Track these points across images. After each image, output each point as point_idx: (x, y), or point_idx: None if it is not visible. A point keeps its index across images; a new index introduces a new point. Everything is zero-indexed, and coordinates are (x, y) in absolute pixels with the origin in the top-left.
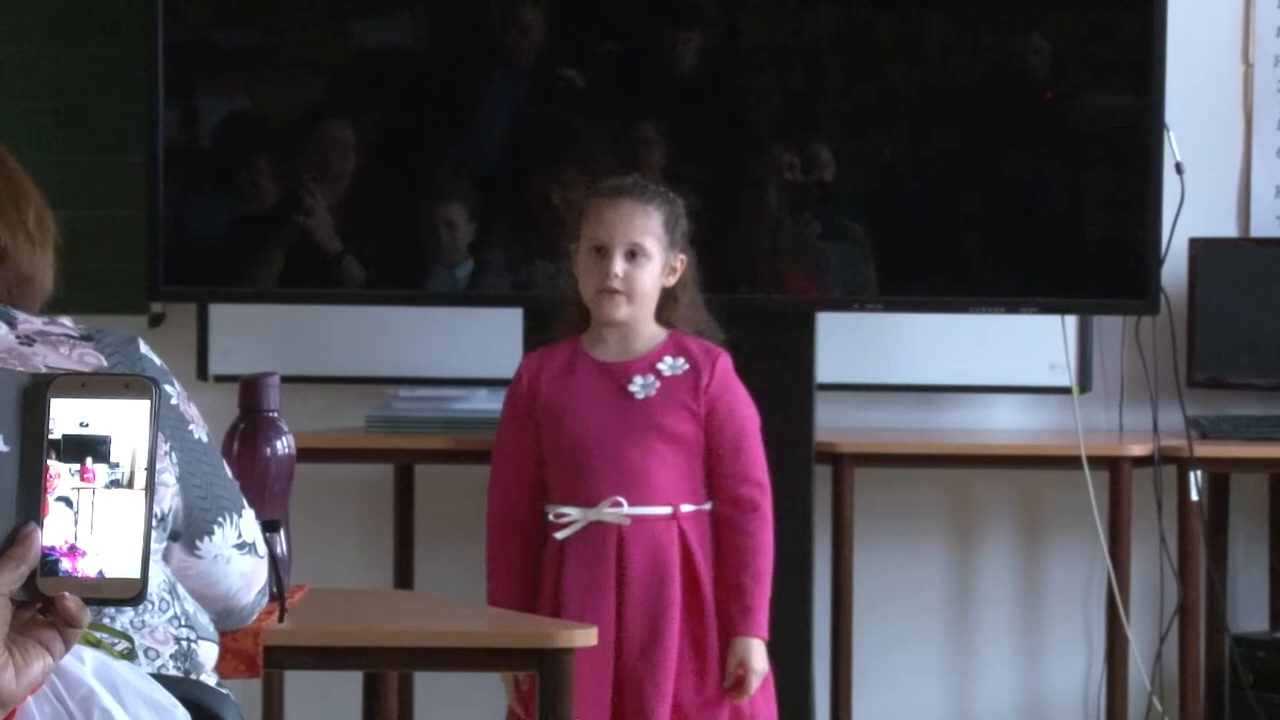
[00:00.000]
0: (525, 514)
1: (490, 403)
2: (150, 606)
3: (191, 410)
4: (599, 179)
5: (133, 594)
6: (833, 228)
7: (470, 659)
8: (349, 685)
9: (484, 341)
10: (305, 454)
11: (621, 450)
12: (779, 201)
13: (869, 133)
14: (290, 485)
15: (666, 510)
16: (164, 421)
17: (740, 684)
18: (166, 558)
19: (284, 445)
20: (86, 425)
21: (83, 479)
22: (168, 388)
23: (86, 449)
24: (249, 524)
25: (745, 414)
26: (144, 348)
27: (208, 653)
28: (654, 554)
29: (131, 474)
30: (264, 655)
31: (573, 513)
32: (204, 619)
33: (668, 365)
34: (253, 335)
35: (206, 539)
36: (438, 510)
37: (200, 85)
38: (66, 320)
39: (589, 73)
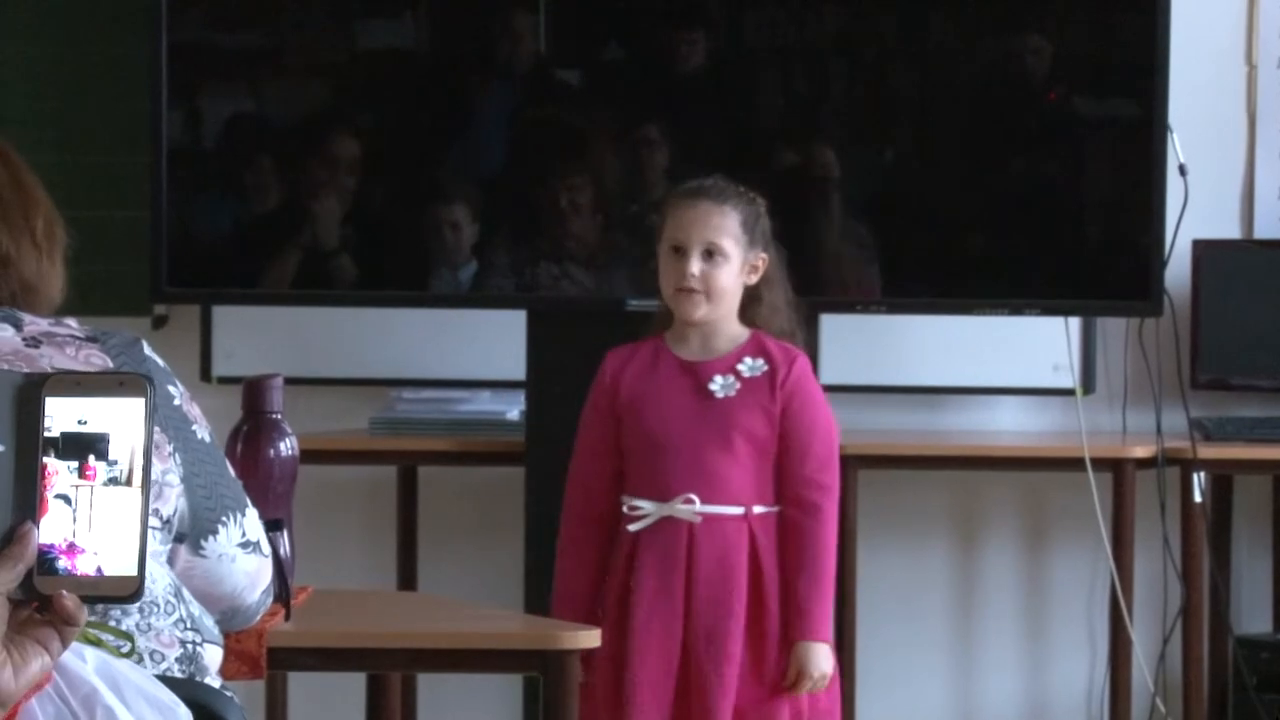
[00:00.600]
0: (603, 507)
1: (494, 404)
2: (155, 609)
3: (194, 411)
4: (607, 180)
5: (130, 591)
6: (837, 229)
7: (473, 660)
8: (352, 686)
9: (487, 343)
10: (308, 456)
11: (698, 448)
12: (783, 203)
13: (873, 134)
14: (293, 487)
15: (738, 510)
16: (167, 422)
17: (798, 687)
18: (172, 560)
19: (287, 447)
20: (85, 423)
21: (83, 476)
22: (170, 388)
23: (86, 446)
24: (253, 523)
25: (816, 416)
26: (148, 349)
27: (213, 656)
28: (723, 552)
29: (130, 471)
30: (267, 656)
31: (646, 506)
32: (209, 622)
33: (747, 366)
34: (256, 337)
35: (211, 538)
36: (441, 512)
37: (203, 86)
38: (72, 321)
39: (593, 74)
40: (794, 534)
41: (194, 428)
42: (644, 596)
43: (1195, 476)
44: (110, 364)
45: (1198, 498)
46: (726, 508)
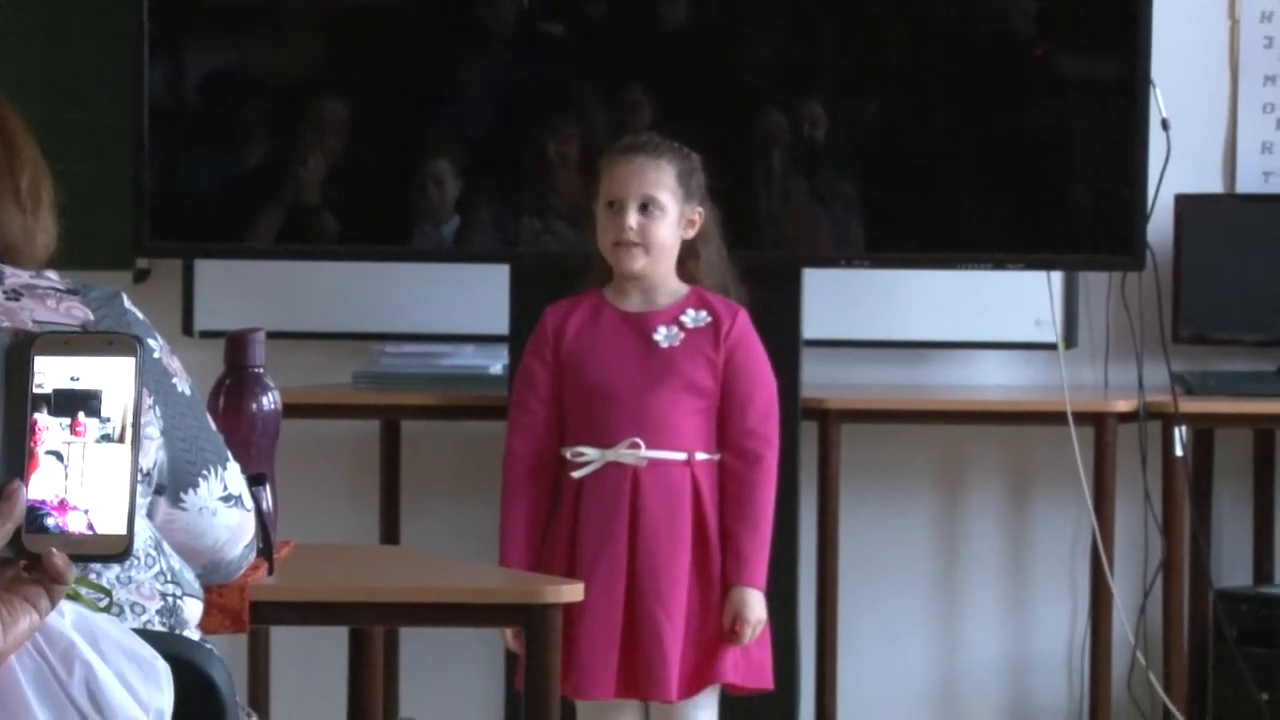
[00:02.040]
0: (546, 456)
1: (477, 358)
2: (136, 562)
3: (174, 364)
4: (591, 135)
5: (119, 550)
6: (821, 185)
7: (456, 614)
8: (335, 641)
9: (471, 298)
10: (291, 410)
11: (642, 396)
12: (768, 158)
13: (857, 90)
14: (276, 442)
15: (682, 456)
16: (147, 375)
17: (735, 632)
18: (151, 513)
19: (270, 401)
20: (77, 380)
21: (74, 433)
22: (150, 341)
23: (78, 403)
24: (234, 477)
25: (758, 369)
26: (127, 303)
27: (193, 609)
28: (668, 497)
29: (122, 429)
30: (250, 611)
31: (591, 453)
32: (189, 576)
33: (690, 317)
34: (239, 291)
35: (191, 491)
36: (424, 466)
37: (187, 40)
38: (52, 274)
39: (577, 30)
40: (734, 483)
41: (174, 380)
42: (589, 543)
43: (1176, 430)
44: (91, 317)
45: (1179, 452)
46: (671, 453)
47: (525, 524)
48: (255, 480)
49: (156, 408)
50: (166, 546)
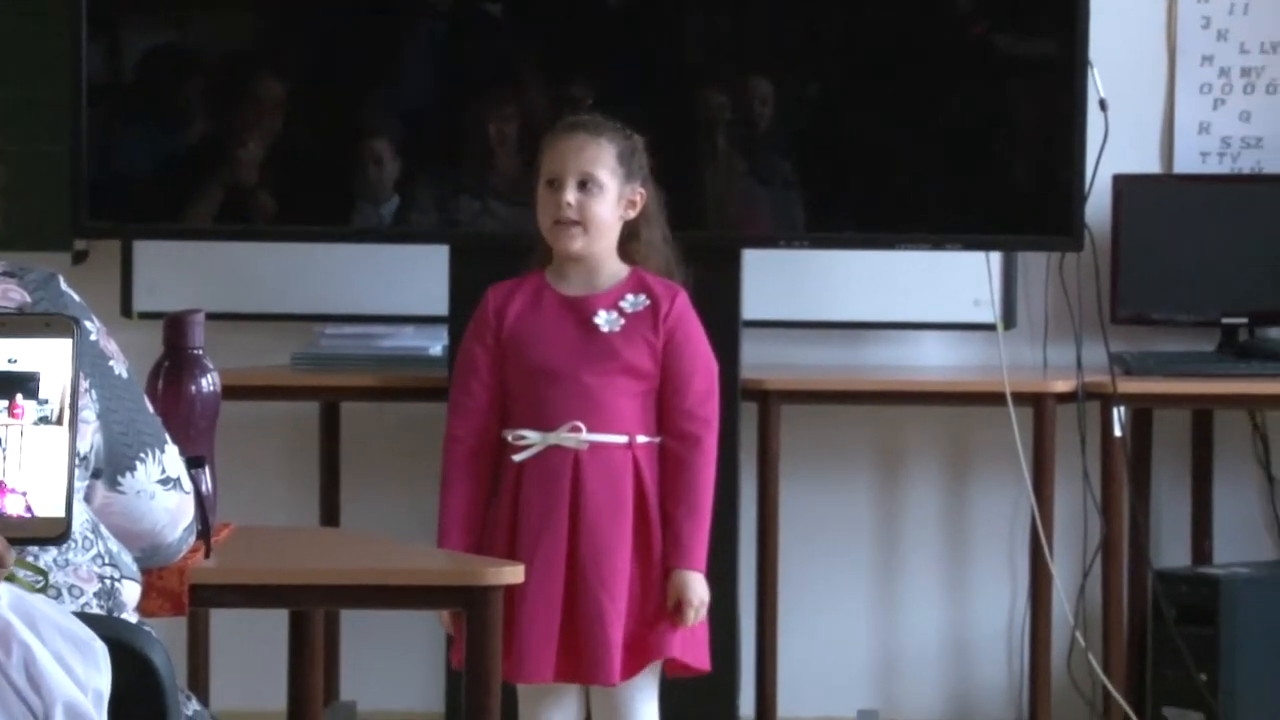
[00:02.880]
0: (486, 438)
1: (417, 340)
2: (74, 545)
3: (111, 346)
4: (532, 114)
5: (58, 533)
6: (760, 165)
7: (397, 597)
8: (275, 623)
9: (411, 279)
10: (230, 392)
11: (583, 379)
12: (707, 138)
13: (796, 70)
14: (215, 423)
15: (623, 439)
16: (84, 358)
17: (679, 613)
18: (89, 497)
19: (209, 383)
20: (15, 362)
21: (11, 415)
22: (87, 324)
23: (15, 385)
24: (173, 460)
25: (696, 351)
26: (64, 284)
27: (130, 592)
28: (609, 479)
29: (60, 411)
30: (190, 593)
31: (532, 436)
32: (127, 558)
33: (630, 302)
34: (178, 272)
35: (129, 474)
36: (364, 448)
37: (124, 19)
38: None
39: (518, 8)
40: (674, 465)
41: (110, 363)
42: (529, 525)
43: (1115, 411)
44: (29, 299)
45: (1117, 432)
46: (612, 436)
47: (465, 507)
48: (194, 463)
49: (93, 390)
50: (104, 529)
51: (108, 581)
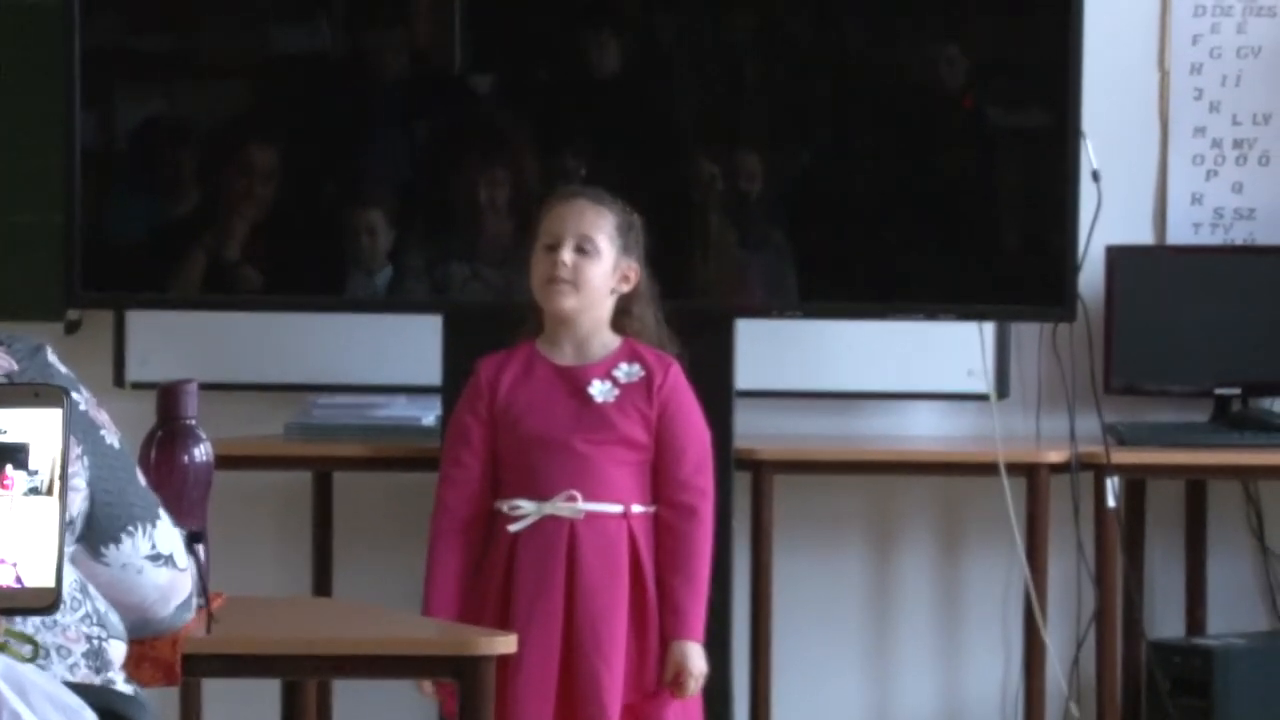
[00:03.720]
0: (476, 511)
1: (410, 410)
2: (63, 606)
3: (102, 416)
4: (523, 184)
5: (47, 603)
6: (752, 234)
7: (389, 666)
8: (267, 693)
9: (403, 349)
10: (223, 461)
11: (578, 449)
12: (699, 207)
13: (788, 140)
14: (208, 493)
15: (618, 509)
16: (75, 427)
17: (679, 685)
18: (75, 560)
19: (202, 453)
20: (4, 433)
21: (1, 486)
22: (75, 395)
23: (5, 456)
24: (165, 535)
25: (691, 421)
26: (51, 355)
27: (117, 650)
28: (605, 549)
29: (50, 481)
30: (182, 663)
31: (527, 505)
32: (114, 617)
33: (624, 372)
34: (171, 342)
35: (113, 546)
36: (356, 518)
37: (118, 89)
38: None
39: (507, 79)
40: (670, 536)
41: (102, 432)
42: (523, 597)
43: (1109, 481)
44: (15, 368)
45: (1111, 502)
46: (607, 505)
47: (453, 577)
48: (194, 538)
49: (85, 458)
50: (91, 589)
51: (95, 641)
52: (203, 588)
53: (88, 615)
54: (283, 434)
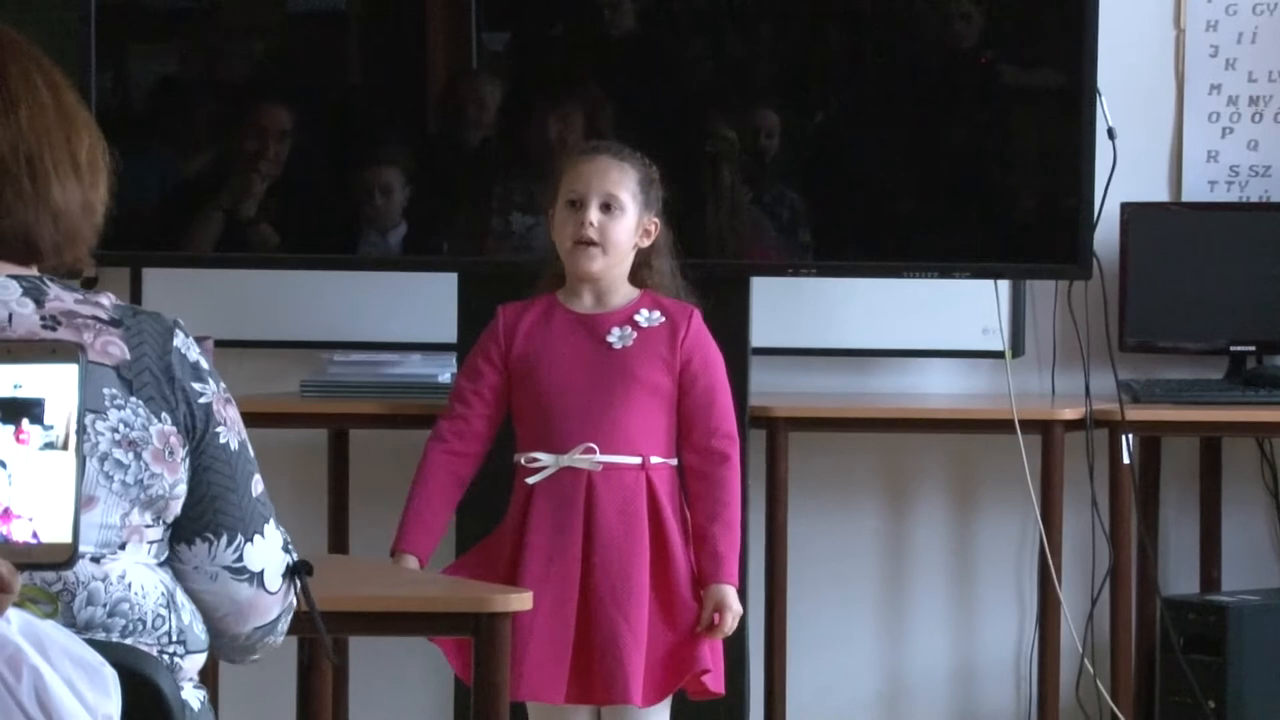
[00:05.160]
0: (471, 448)
1: (426, 367)
2: (141, 626)
3: (229, 413)
4: (542, 142)
5: (63, 559)
6: (768, 192)
7: (405, 624)
8: (282, 652)
9: (419, 306)
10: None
11: (596, 399)
12: (714, 165)
13: (804, 97)
14: None
15: (636, 460)
16: (184, 424)
17: (715, 628)
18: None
19: None
20: (20, 387)
21: (17, 440)
22: (197, 385)
23: (21, 411)
24: (261, 553)
25: (717, 368)
26: (178, 339)
27: (192, 664)
28: (624, 502)
29: (66, 436)
30: None
31: (544, 458)
32: (199, 629)
33: (644, 317)
34: (186, 299)
35: (185, 546)
36: (372, 476)
37: (133, 47)
38: (105, 299)
39: (525, 38)
40: (704, 483)
41: (219, 430)
42: (541, 548)
43: (1123, 438)
44: (128, 355)
45: (1126, 459)
46: (625, 457)
47: (431, 506)
48: (302, 568)
49: (187, 460)
50: (180, 598)
51: (166, 658)
52: (313, 619)
53: (167, 633)
54: (298, 392)
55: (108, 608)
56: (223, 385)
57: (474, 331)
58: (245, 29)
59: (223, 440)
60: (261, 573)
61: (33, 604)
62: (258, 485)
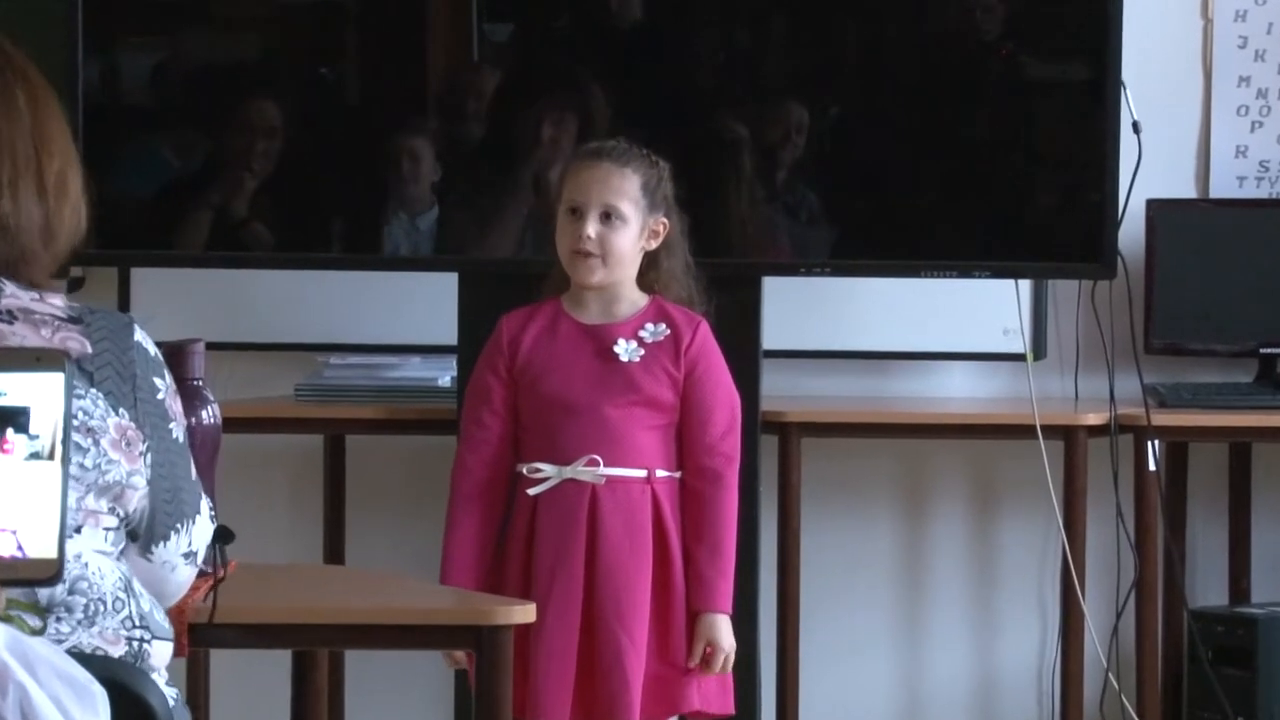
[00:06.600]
0: (497, 473)
1: (425, 370)
2: (103, 608)
3: (176, 406)
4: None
5: (49, 574)
6: (780, 189)
7: (404, 637)
8: (277, 664)
9: (419, 306)
10: (231, 424)
11: (601, 411)
12: (725, 162)
13: (818, 91)
14: (216, 457)
15: (641, 473)
16: (145, 418)
17: (708, 661)
18: (125, 555)
19: (209, 415)
20: (4, 395)
21: (1, 450)
22: (156, 380)
23: (5, 420)
24: (200, 531)
25: (719, 383)
26: (138, 334)
27: (160, 652)
28: (627, 515)
29: (51, 446)
30: (188, 633)
31: (547, 469)
32: (160, 616)
33: (650, 331)
34: (176, 300)
35: (162, 544)
36: (370, 483)
37: (122, 38)
38: (58, 299)
39: (533, 30)
40: (695, 503)
41: (171, 425)
42: (544, 564)
43: (1149, 444)
44: (89, 349)
45: (1152, 466)
46: (630, 470)
47: (472, 542)
48: (222, 536)
49: (148, 455)
50: (137, 586)
51: (135, 644)
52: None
53: (129, 617)
54: (293, 395)
55: (68, 584)
56: (170, 381)
57: (475, 333)
58: (237, 20)
59: (174, 435)
60: (197, 551)
61: (20, 619)
62: (193, 466)
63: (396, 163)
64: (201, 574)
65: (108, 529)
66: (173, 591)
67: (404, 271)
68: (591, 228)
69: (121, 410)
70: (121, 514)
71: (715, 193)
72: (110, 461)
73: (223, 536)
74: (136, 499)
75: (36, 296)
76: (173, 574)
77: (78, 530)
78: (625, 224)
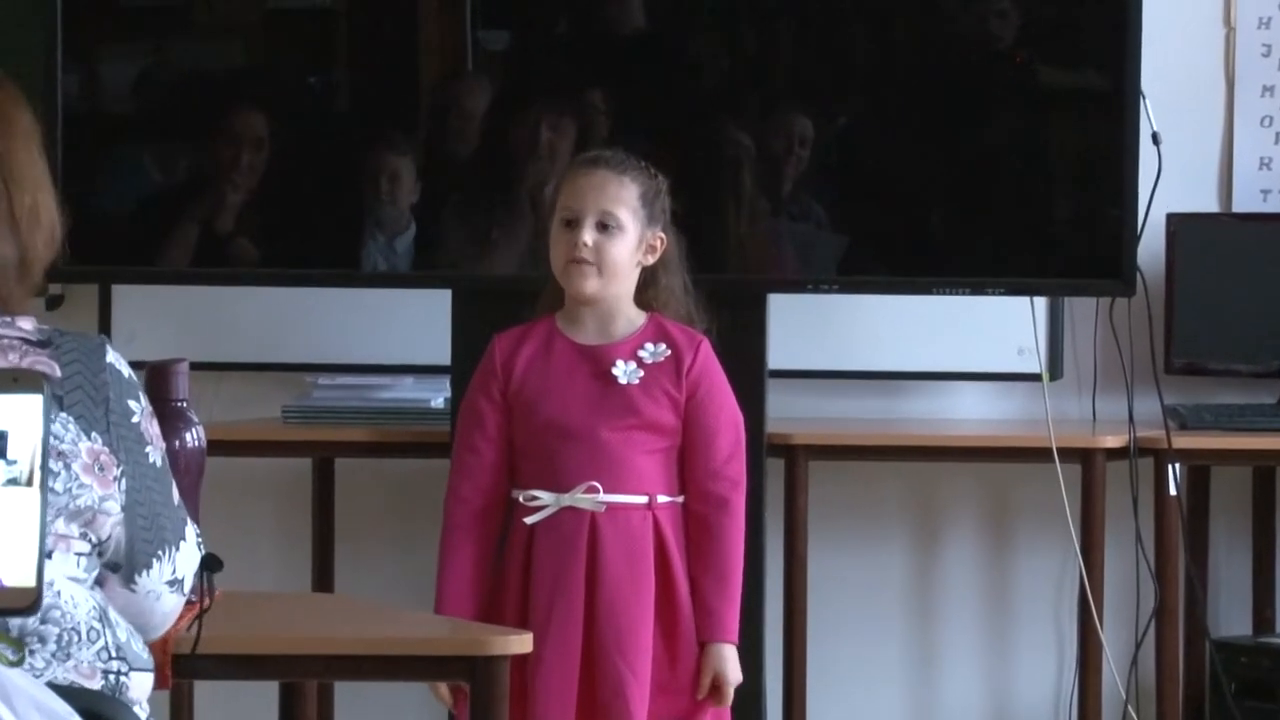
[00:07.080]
0: (491, 501)
1: (417, 391)
2: (76, 638)
3: (153, 429)
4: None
5: (27, 603)
6: (787, 203)
7: (396, 668)
8: (264, 696)
9: (410, 325)
10: (217, 447)
11: (599, 436)
12: (729, 175)
13: (826, 101)
14: (200, 481)
15: (642, 500)
16: (120, 442)
17: (717, 693)
18: (100, 585)
19: (194, 438)
20: None
21: None
22: (131, 403)
23: None
24: (185, 558)
25: (723, 405)
26: (110, 355)
27: (140, 684)
28: (628, 544)
29: (30, 471)
30: (173, 664)
31: (545, 497)
32: (138, 646)
33: (649, 352)
34: (159, 318)
35: (145, 573)
36: (359, 508)
37: (103, 47)
38: (27, 323)
39: (530, 41)
40: (700, 530)
41: (147, 449)
42: (542, 594)
43: (1170, 468)
44: (59, 373)
45: (1172, 490)
46: (630, 497)
47: (468, 572)
48: (210, 564)
49: (122, 480)
50: (113, 615)
51: (112, 678)
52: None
53: (105, 649)
54: (280, 418)
55: (41, 613)
56: (145, 403)
57: (469, 352)
58: (222, 26)
59: (152, 459)
60: (183, 579)
61: (1, 653)
62: (175, 491)
63: (375, 182)
64: (188, 602)
65: (79, 554)
66: (158, 623)
67: (394, 289)
68: (588, 235)
69: (94, 434)
70: (94, 540)
71: (718, 206)
72: (81, 486)
73: (211, 564)
74: (110, 525)
75: (7, 320)
76: (158, 603)
77: (48, 555)
78: (623, 233)
